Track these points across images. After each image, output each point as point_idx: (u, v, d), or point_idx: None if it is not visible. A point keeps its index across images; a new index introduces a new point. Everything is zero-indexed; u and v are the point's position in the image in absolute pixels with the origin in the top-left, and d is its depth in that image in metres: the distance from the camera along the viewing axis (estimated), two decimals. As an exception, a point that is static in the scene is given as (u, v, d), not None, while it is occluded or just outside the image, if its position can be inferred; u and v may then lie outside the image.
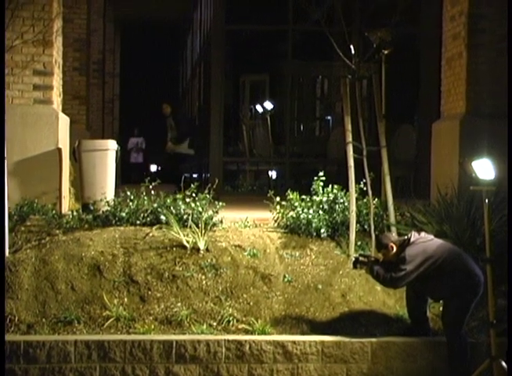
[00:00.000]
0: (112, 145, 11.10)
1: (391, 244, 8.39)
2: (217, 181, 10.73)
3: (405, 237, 8.44)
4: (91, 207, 10.32)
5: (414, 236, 8.40)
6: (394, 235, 8.63)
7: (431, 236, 8.52)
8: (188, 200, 10.13)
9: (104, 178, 10.76)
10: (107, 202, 10.24)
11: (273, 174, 18.44)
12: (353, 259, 8.76)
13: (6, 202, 8.60)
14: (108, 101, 21.88)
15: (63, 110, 11.49)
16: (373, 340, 8.60)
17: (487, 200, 8.15)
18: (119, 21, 25.74)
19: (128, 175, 22.70)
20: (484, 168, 8.13)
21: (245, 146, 18.56)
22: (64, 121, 11.07)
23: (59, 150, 10.58)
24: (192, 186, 10.32)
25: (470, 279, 8.29)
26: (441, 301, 8.61)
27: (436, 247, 8.36)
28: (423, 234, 8.50)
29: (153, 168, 28.61)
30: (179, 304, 8.98)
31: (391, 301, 9.19)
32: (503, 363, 7.86)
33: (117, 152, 11.17)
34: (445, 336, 8.31)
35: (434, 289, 8.37)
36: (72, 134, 11.57)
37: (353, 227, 9.79)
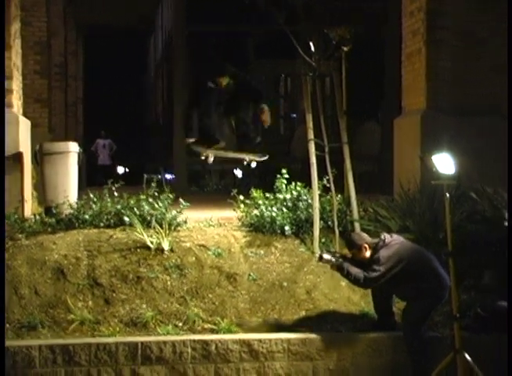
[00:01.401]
0: (74, 147, 11.02)
1: (365, 244, 8.38)
2: (182, 181, 10.70)
3: (379, 239, 8.42)
4: (54, 211, 10.23)
5: (387, 238, 8.42)
6: (366, 235, 8.58)
7: (402, 238, 8.56)
8: (151, 200, 10.09)
9: (67, 181, 10.67)
10: (70, 205, 10.18)
11: (238, 173, 18.44)
12: (317, 256, 8.77)
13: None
14: (71, 104, 21.77)
15: (24, 114, 11.41)
16: (339, 336, 8.63)
17: (448, 194, 8.21)
18: (81, 24, 25.61)
19: (95, 177, 22.60)
20: (445, 163, 8.19)
21: (210, 145, 18.50)
22: (25, 125, 10.98)
23: (20, 153, 10.50)
24: (152, 184, 10.28)
25: (437, 283, 8.34)
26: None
27: (408, 249, 8.42)
28: (395, 236, 8.54)
29: (121, 170, 28.49)
30: (144, 305, 8.94)
31: (356, 298, 9.22)
32: (467, 356, 7.92)
33: (79, 154, 11.09)
34: (404, 333, 8.32)
35: (401, 289, 8.40)
36: (34, 137, 11.48)
37: (317, 224, 9.82)
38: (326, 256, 8.47)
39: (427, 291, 8.29)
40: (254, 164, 9.75)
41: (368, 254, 8.38)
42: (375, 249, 8.35)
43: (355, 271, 8.31)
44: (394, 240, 8.40)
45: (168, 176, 18.45)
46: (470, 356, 7.93)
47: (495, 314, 8.60)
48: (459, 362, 7.96)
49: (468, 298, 8.92)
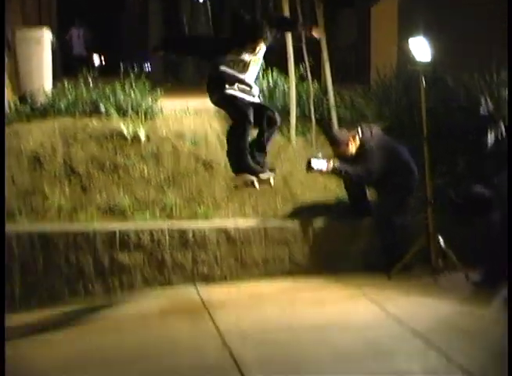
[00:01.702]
0: (47, 34, 10.83)
1: (351, 138, 8.33)
2: (158, 70, 10.61)
3: (358, 131, 8.37)
4: (29, 99, 10.14)
5: (367, 129, 8.38)
6: (345, 130, 8.48)
7: (379, 129, 8.57)
8: (127, 89, 10.01)
9: (41, 69, 10.54)
10: (45, 93, 10.08)
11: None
12: (306, 167, 8.44)
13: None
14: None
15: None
16: (315, 222, 8.73)
17: (424, 81, 8.20)
18: None
19: (70, 66, 22.27)
20: (421, 48, 8.15)
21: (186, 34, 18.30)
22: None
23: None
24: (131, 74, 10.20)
25: (410, 177, 8.42)
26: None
27: (389, 142, 8.47)
28: (373, 127, 8.52)
29: (96, 59, 28.06)
30: (121, 193, 8.97)
31: (333, 186, 9.28)
32: (440, 239, 8.07)
33: (52, 43, 10.92)
34: (377, 225, 8.43)
35: (377, 183, 8.45)
36: (7, 24, 11.24)
37: (293, 112, 9.81)
38: (315, 163, 8.24)
39: (401, 184, 8.38)
40: None
41: (353, 148, 8.36)
42: (361, 142, 8.33)
43: (352, 168, 8.26)
44: (375, 132, 8.39)
45: None
46: (442, 238, 8.08)
47: (469, 199, 8.71)
48: (433, 245, 8.12)
49: (442, 182, 9.01)
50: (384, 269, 8.26)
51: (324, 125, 8.93)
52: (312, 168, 8.25)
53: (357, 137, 8.33)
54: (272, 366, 5.94)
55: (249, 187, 7.45)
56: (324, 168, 8.19)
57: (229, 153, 7.39)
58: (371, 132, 8.40)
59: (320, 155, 8.33)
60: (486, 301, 7.32)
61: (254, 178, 7.32)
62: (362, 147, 8.30)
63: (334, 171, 8.27)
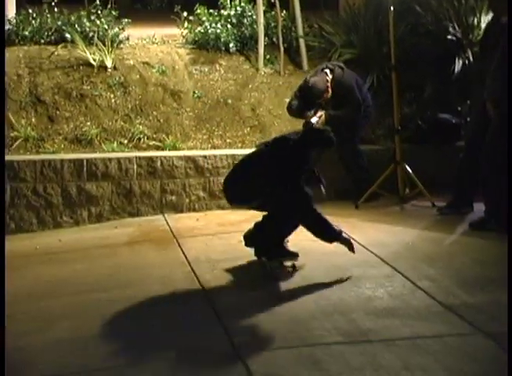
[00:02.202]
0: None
1: (327, 84, 8.23)
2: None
3: (326, 72, 8.31)
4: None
5: (334, 67, 8.33)
6: (316, 76, 8.37)
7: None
8: (93, 17, 9.86)
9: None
10: (9, 21, 9.89)
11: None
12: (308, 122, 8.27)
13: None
14: None
15: None
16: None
17: (392, 8, 8.15)
18: None
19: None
20: (390, -25, 8.09)
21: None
22: None
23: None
24: (97, 2, 10.04)
25: (368, 108, 8.47)
26: None
27: (353, 72, 8.52)
28: (336, 63, 8.49)
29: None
30: (88, 123, 8.92)
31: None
32: (407, 167, 8.12)
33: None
34: (343, 153, 8.44)
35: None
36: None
37: (261, 41, 9.73)
38: (314, 120, 8.16)
39: (366, 115, 8.43)
40: None
41: (329, 92, 8.30)
42: (336, 83, 8.27)
43: (341, 112, 8.22)
44: (343, 68, 8.35)
45: None
46: (409, 166, 8.12)
47: (435, 125, 8.76)
48: (400, 173, 8.17)
49: (410, 111, 9.02)
50: (352, 197, 8.31)
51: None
52: (314, 126, 8.12)
53: (330, 78, 8.29)
54: (238, 291, 6.00)
55: None
56: (320, 121, 8.17)
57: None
58: (339, 67, 8.36)
59: (312, 111, 8.25)
60: (452, 227, 7.39)
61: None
62: (339, 86, 8.27)
63: (331, 119, 8.19)
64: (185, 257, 6.93)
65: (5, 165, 7.88)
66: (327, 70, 8.32)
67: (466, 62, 9.04)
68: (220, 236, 7.57)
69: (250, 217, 8.14)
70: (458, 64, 9.05)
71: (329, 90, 8.26)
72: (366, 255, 6.72)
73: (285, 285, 6.08)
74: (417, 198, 8.23)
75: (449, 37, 9.15)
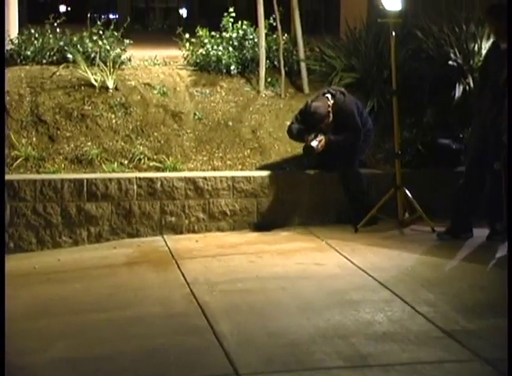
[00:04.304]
0: (13, -19, 10.69)
1: (329, 109, 8.32)
2: (127, 19, 10.48)
3: (327, 97, 8.37)
4: (-2, 49, 9.99)
5: (335, 93, 8.39)
6: (317, 101, 8.43)
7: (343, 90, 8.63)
8: (95, 38, 9.90)
9: (6, 15, 10.35)
10: (11, 40, 9.93)
11: (183, 12, 18.10)
12: (306, 150, 8.43)
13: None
14: None
15: None
16: (283, 174, 8.75)
17: (394, 33, 8.20)
18: None
19: (37, 14, 21.95)
20: (392, 0, 8.13)
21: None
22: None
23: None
24: (99, 23, 10.07)
25: (371, 130, 8.51)
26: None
27: (353, 97, 8.58)
28: (337, 88, 8.56)
29: (62, 8, 27.71)
30: (89, 143, 8.93)
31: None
32: (407, 192, 8.13)
33: (19, -12, 10.76)
34: (343, 177, 8.46)
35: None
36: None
37: (263, 63, 9.76)
38: (314, 144, 8.23)
39: (366, 139, 8.45)
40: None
41: (330, 117, 8.37)
42: (337, 105, 8.33)
43: (341, 137, 8.28)
44: (344, 94, 8.41)
45: None
46: (409, 191, 8.14)
47: (435, 150, 8.78)
48: (399, 197, 8.18)
49: (410, 135, 9.04)
50: (351, 221, 8.31)
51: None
52: (314, 150, 8.26)
53: (331, 103, 8.35)
54: (237, 314, 5.99)
55: None
56: (320, 145, 8.23)
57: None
58: (341, 93, 8.43)
59: (313, 135, 8.29)
60: (451, 252, 7.40)
61: None
62: (340, 111, 8.33)
63: (332, 144, 8.27)
64: (184, 278, 6.93)
65: (4, 184, 7.88)
66: (329, 95, 8.38)
67: (467, 88, 9.07)
68: (219, 258, 7.57)
69: (250, 239, 8.21)
70: (458, 90, 9.09)
71: (331, 115, 8.31)
72: (366, 279, 6.72)
73: (285, 308, 6.08)
74: (417, 223, 8.24)
75: (450, 62, 9.19)
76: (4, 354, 4.77)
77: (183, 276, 7.00)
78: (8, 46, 9.86)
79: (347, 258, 7.32)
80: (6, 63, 9.62)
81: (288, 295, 6.37)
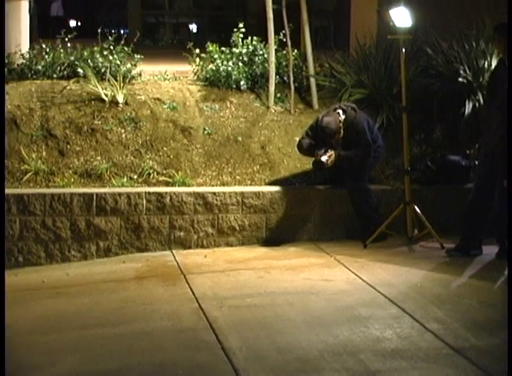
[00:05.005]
0: (24, -4, 10.74)
1: (340, 124, 8.36)
2: (137, 34, 10.53)
3: (339, 112, 8.39)
4: (6, 60, 10.03)
5: (347, 109, 8.42)
6: (329, 117, 8.47)
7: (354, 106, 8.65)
8: (105, 52, 9.94)
9: (18, 30, 10.41)
10: (22, 55, 9.98)
11: (193, 27, 18.17)
12: (316, 165, 8.54)
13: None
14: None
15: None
16: (292, 190, 8.75)
17: (403, 49, 8.21)
18: None
19: (48, 28, 22.03)
20: (401, 17, 8.15)
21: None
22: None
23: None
24: (110, 38, 10.11)
25: (378, 148, 8.50)
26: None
27: (364, 113, 8.61)
28: (348, 105, 8.58)
29: (72, 22, 27.81)
30: (99, 157, 8.95)
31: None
32: (416, 208, 8.12)
33: (30, 2, 10.81)
34: (352, 194, 8.47)
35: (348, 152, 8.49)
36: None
37: (272, 79, 9.78)
38: (324, 158, 8.30)
39: (376, 155, 8.46)
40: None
41: (341, 132, 8.40)
42: (347, 122, 8.36)
43: (351, 153, 8.32)
44: (355, 110, 8.43)
45: None
46: (419, 207, 8.13)
47: (445, 167, 8.77)
48: (409, 214, 8.18)
49: (419, 151, 9.06)
50: (360, 237, 8.31)
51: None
52: (323, 165, 8.32)
53: (342, 118, 8.37)
54: (246, 329, 5.98)
55: None
56: (330, 160, 8.29)
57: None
58: (352, 108, 8.45)
59: (322, 150, 8.34)
60: (460, 269, 7.38)
61: None
62: (351, 127, 8.35)
63: (341, 159, 8.33)
64: (193, 293, 6.92)
65: (4, 196, 7.88)
66: (340, 111, 8.40)
67: (477, 104, 9.08)
68: (228, 273, 7.56)
69: (259, 255, 8.20)
70: (468, 106, 9.10)
71: (341, 130, 8.34)
72: (374, 295, 6.71)
73: (293, 323, 6.07)
74: (426, 239, 8.23)
75: (460, 79, 9.20)
76: (4, 355, 4.75)
77: (192, 290, 7.00)
78: (19, 61, 9.91)
79: (355, 274, 7.31)
80: (17, 78, 9.70)
81: (297, 311, 6.36)
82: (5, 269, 7.92)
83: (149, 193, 8.49)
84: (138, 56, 10.02)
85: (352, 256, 7.88)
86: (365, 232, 8.31)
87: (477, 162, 8.16)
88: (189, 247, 8.47)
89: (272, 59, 9.80)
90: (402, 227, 8.27)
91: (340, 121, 8.36)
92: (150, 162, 8.95)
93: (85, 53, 9.97)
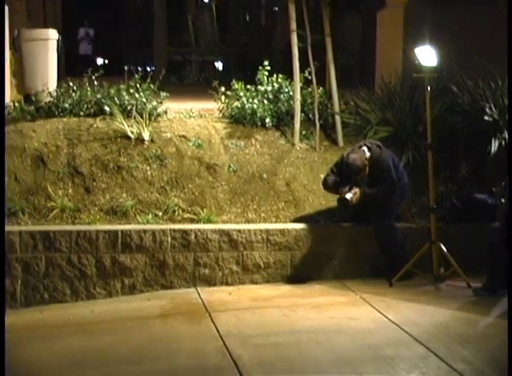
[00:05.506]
0: (53, 34, 10.86)
1: (365, 161, 8.37)
2: (163, 71, 10.61)
3: (364, 150, 8.41)
4: (34, 99, 10.14)
5: (372, 146, 8.43)
6: (354, 154, 8.49)
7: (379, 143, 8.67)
8: (132, 90, 10.02)
9: (46, 69, 10.55)
10: (49, 93, 10.08)
11: (219, 65, 18.29)
12: (341, 202, 8.52)
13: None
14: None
15: (1, 0, 11.15)
16: (317, 227, 8.74)
17: (429, 87, 8.22)
18: None
19: (76, 66, 22.24)
20: (427, 55, 8.18)
21: (190, 36, 18.30)
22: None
23: (-2, 39, 10.35)
24: (136, 76, 10.20)
25: (404, 186, 8.49)
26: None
27: (389, 151, 8.60)
28: (373, 142, 8.59)
29: (100, 60, 28.06)
30: (124, 194, 8.99)
31: (335, 190, 9.28)
32: (442, 246, 8.08)
33: (58, 42, 10.94)
34: (377, 232, 8.45)
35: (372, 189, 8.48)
36: (12, 25, 11.27)
37: (298, 116, 9.81)
38: (349, 196, 8.32)
39: (402, 193, 8.45)
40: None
41: (367, 169, 8.42)
42: (373, 159, 8.38)
43: (376, 190, 8.33)
44: (381, 147, 8.45)
45: None
46: (445, 246, 8.09)
47: (471, 205, 8.73)
48: (435, 252, 8.14)
49: (445, 189, 9.03)
50: (386, 275, 8.27)
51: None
52: (348, 202, 8.33)
53: (367, 155, 8.38)
54: (271, 367, 5.95)
55: None
56: (355, 198, 8.31)
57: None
58: (377, 146, 8.47)
59: (347, 188, 8.37)
60: (487, 309, 7.32)
61: None
62: (376, 164, 8.37)
63: (366, 197, 8.34)
64: (218, 331, 6.91)
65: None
66: (365, 148, 8.41)
67: (503, 142, 9.05)
68: (253, 310, 7.54)
69: (283, 292, 8.17)
70: (494, 145, 9.06)
71: (367, 168, 8.34)
72: (400, 334, 6.67)
73: (319, 362, 6.03)
74: (452, 278, 8.17)
75: (486, 117, 9.17)
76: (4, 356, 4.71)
77: (216, 328, 6.98)
78: (46, 99, 10.01)
79: (381, 313, 7.27)
80: (45, 116, 9.79)
81: (322, 349, 6.33)
82: (31, 305, 8.03)
83: (174, 230, 8.51)
84: (164, 94, 10.09)
85: (378, 294, 7.83)
86: (391, 270, 8.27)
87: (503, 200, 8.11)
88: (214, 285, 8.47)
89: (298, 96, 9.84)
90: (427, 265, 8.22)
91: (365, 158, 8.37)
92: (175, 199, 8.98)
93: (112, 91, 10.04)
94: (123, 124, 9.48)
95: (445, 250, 8.08)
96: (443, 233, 8.28)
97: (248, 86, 10.33)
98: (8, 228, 8.23)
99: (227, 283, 8.49)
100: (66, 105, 9.90)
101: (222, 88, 10.30)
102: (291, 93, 10.08)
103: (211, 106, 10.56)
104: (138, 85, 10.06)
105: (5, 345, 4.90)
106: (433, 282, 8.17)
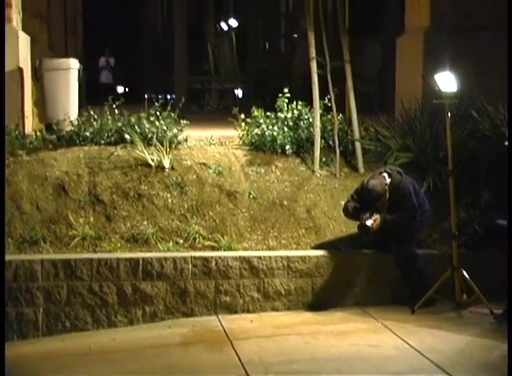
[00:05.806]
0: (74, 64, 10.95)
1: (386, 187, 8.38)
2: (183, 100, 10.67)
3: (384, 176, 8.42)
4: (55, 127, 10.21)
5: (392, 172, 8.44)
6: (374, 179, 8.47)
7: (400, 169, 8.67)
8: (152, 118, 10.07)
9: (67, 98, 10.63)
10: (71, 122, 10.15)
11: (239, 92, 18.36)
12: (361, 229, 8.49)
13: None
14: (70, 19, 21.37)
15: (24, 30, 11.27)
16: (338, 254, 8.72)
17: (449, 113, 8.22)
18: None
19: (97, 95, 22.41)
20: (447, 81, 8.18)
21: (210, 64, 18.41)
22: (25, 40, 10.88)
23: (21, 69, 10.43)
24: (156, 104, 10.26)
25: (425, 212, 8.46)
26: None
27: (409, 177, 8.62)
28: (393, 168, 8.59)
29: (120, 89, 28.27)
30: (145, 222, 9.01)
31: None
32: (464, 273, 8.03)
33: (79, 71, 11.04)
34: (398, 258, 8.43)
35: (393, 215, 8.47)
36: (34, 54, 11.38)
37: (318, 143, 9.82)
38: (369, 222, 8.32)
39: (422, 219, 8.44)
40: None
41: (387, 195, 8.42)
42: (393, 185, 8.38)
43: (396, 217, 8.33)
44: (401, 174, 8.45)
45: None
46: (467, 272, 8.04)
47: (493, 231, 8.68)
48: (457, 279, 8.09)
49: (466, 215, 9.00)
50: (408, 302, 8.22)
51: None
52: (369, 229, 8.31)
53: (388, 182, 8.38)
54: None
55: None
56: (375, 224, 8.30)
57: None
58: (397, 172, 8.46)
59: (368, 214, 8.35)
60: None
61: None
62: (396, 191, 8.36)
63: (387, 223, 8.33)
64: (239, 359, 6.89)
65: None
66: (385, 174, 8.41)
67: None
68: (274, 338, 7.52)
69: (305, 319, 8.15)
70: (516, 170, 9.03)
71: (387, 194, 8.33)
72: (422, 362, 6.63)
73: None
74: (475, 305, 8.12)
75: (507, 143, 9.15)
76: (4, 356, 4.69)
77: (238, 356, 6.96)
78: (68, 128, 10.08)
79: (403, 340, 7.23)
80: (66, 144, 9.85)
81: (344, 377, 6.30)
82: (52, 334, 8.04)
83: (194, 257, 8.51)
84: (184, 122, 10.14)
85: (399, 321, 7.79)
86: (413, 297, 8.22)
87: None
88: (235, 312, 8.45)
89: (318, 123, 9.86)
90: (450, 292, 8.17)
91: (385, 185, 8.36)
92: (196, 227, 8.99)
93: (132, 119, 10.10)
94: (143, 152, 9.52)
95: (467, 276, 8.03)
96: (465, 260, 8.24)
97: (268, 113, 10.36)
98: (30, 256, 8.30)
99: (248, 311, 8.47)
100: (87, 133, 9.96)
101: (242, 116, 10.35)
102: (311, 120, 10.10)
103: (231, 134, 10.60)
104: (158, 113, 10.12)
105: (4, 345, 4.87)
106: (455, 309, 8.11)
